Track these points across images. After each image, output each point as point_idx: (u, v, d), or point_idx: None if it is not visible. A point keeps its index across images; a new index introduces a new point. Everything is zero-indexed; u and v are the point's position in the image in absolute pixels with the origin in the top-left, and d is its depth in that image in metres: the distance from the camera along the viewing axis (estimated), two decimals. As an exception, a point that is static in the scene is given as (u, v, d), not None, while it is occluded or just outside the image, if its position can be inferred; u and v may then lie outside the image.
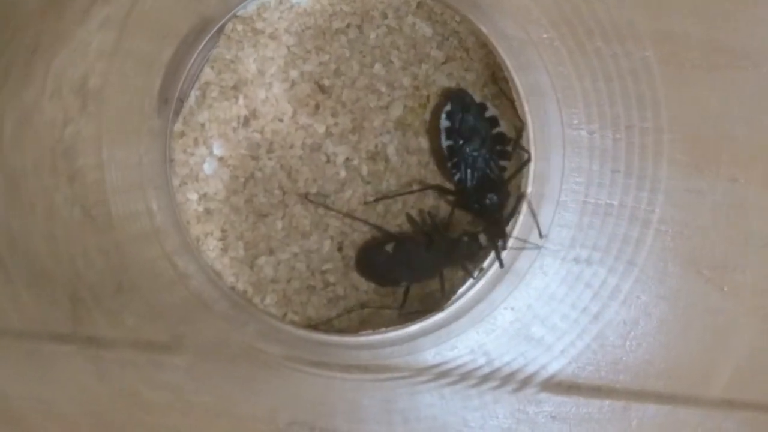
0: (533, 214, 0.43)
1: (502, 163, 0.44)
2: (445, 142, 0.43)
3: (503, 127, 0.44)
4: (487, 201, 0.43)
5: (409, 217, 0.44)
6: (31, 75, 0.37)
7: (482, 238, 0.43)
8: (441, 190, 0.44)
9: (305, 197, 0.43)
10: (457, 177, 0.43)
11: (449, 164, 0.43)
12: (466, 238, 0.43)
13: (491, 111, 0.43)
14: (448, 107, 0.43)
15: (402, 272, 0.43)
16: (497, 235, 0.43)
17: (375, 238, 0.44)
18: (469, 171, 0.43)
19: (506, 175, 0.44)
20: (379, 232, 0.44)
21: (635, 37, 0.39)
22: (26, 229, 0.38)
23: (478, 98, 0.44)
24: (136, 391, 0.39)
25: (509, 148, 0.44)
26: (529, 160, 0.43)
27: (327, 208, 0.43)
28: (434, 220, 0.44)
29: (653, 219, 0.39)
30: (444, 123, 0.43)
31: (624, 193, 0.40)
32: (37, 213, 0.38)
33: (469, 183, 0.43)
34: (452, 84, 0.44)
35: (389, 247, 0.43)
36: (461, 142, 0.43)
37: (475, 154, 0.43)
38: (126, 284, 0.39)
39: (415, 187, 0.44)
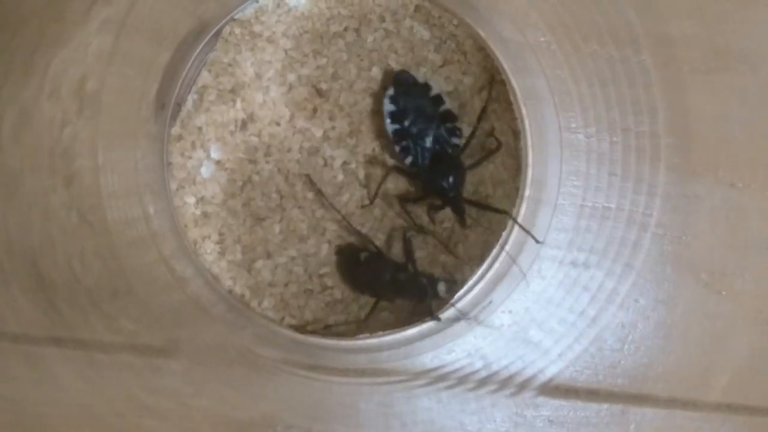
0: (523, 228, 0.43)
1: (454, 140, 0.43)
2: (390, 127, 0.43)
3: (449, 104, 0.43)
4: (444, 182, 0.42)
5: (392, 236, 0.44)
6: (31, 73, 0.37)
7: (441, 288, 0.42)
8: (398, 171, 0.44)
9: (307, 178, 0.43)
10: (409, 160, 0.43)
11: (398, 149, 0.43)
12: (425, 280, 0.43)
13: (435, 89, 0.43)
14: (390, 91, 0.43)
15: (367, 284, 0.43)
16: (458, 213, 0.43)
17: (357, 243, 0.44)
18: (420, 151, 0.43)
19: (471, 162, 0.44)
20: (359, 238, 0.44)
21: (632, 41, 0.39)
22: (23, 230, 0.38)
23: (422, 78, 0.43)
24: (134, 395, 0.39)
25: (458, 125, 0.43)
26: (498, 148, 0.43)
27: (321, 195, 0.43)
28: (410, 249, 0.44)
29: (651, 222, 0.39)
30: (388, 107, 0.43)
31: (621, 196, 0.40)
32: (34, 214, 0.38)
33: (421, 164, 0.43)
34: (450, 88, 0.44)
35: (363, 256, 0.43)
36: (407, 123, 0.43)
37: (424, 133, 0.43)
38: (123, 288, 0.39)
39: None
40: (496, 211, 0.43)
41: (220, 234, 0.44)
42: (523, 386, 0.40)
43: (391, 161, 0.44)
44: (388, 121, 0.43)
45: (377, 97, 0.44)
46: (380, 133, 0.44)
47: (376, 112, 0.44)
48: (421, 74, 0.44)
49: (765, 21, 0.39)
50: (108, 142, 0.39)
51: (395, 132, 0.43)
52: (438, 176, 0.42)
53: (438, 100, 0.43)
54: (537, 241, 0.41)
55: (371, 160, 0.44)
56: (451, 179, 0.42)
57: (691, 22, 0.39)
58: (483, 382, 0.40)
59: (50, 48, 0.38)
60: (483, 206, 0.44)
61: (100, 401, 0.39)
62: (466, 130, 0.44)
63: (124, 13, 0.39)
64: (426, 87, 0.43)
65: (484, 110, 0.44)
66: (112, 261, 0.39)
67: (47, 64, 0.38)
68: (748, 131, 0.39)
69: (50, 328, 0.38)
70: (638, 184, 0.39)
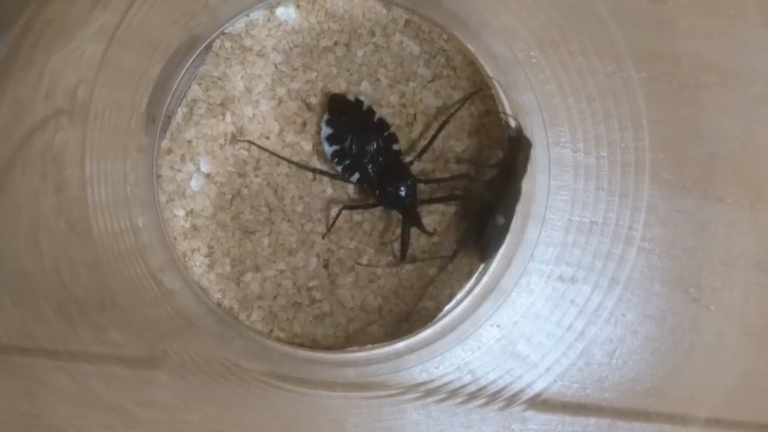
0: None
1: (394, 147, 0.43)
2: (329, 149, 0.43)
3: (381, 113, 0.43)
4: (398, 191, 0.43)
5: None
6: (30, 70, 0.37)
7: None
8: (352, 208, 0.44)
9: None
10: (356, 177, 0.43)
11: (340, 168, 0.43)
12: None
13: (367, 102, 0.43)
14: (326, 115, 0.43)
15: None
16: (414, 220, 0.43)
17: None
18: (365, 166, 0.43)
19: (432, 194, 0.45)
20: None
21: (618, 57, 0.39)
22: (12, 233, 0.38)
23: (352, 97, 0.43)
24: (122, 407, 0.39)
25: (393, 131, 0.43)
26: (458, 197, 0.44)
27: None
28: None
29: (637, 237, 0.40)
30: (325, 131, 0.43)
31: (608, 210, 0.40)
32: (23, 215, 0.38)
33: (370, 178, 0.43)
34: (439, 103, 0.44)
35: None
36: (347, 143, 0.43)
37: (365, 148, 0.43)
38: (110, 300, 0.39)
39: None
40: (453, 198, 0.44)
41: (210, 247, 0.44)
42: (511, 400, 0.40)
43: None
44: (326, 144, 0.43)
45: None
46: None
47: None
48: (351, 94, 0.44)
49: (754, 37, 0.39)
50: (97, 153, 0.39)
51: (335, 153, 0.43)
52: (389, 187, 0.43)
53: (370, 112, 0.43)
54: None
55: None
56: (402, 189, 0.43)
57: (683, 38, 0.39)
58: (471, 396, 0.40)
59: (49, 46, 0.38)
60: (436, 200, 0.44)
61: (90, 412, 0.39)
62: (458, 146, 0.44)
63: (117, 23, 0.39)
64: (358, 103, 0.43)
65: (446, 121, 0.44)
66: (99, 272, 0.39)
67: (45, 62, 0.38)
68: (738, 147, 0.40)
69: (38, 339, 0.38)
70: (624, 199, 0.40)
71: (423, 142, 0.44)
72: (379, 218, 0.44)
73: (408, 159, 0.44)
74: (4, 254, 0.38)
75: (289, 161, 0.43)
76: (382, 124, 0.43)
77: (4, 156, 0.38)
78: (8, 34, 0.37)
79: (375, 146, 0.43)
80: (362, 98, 0.43)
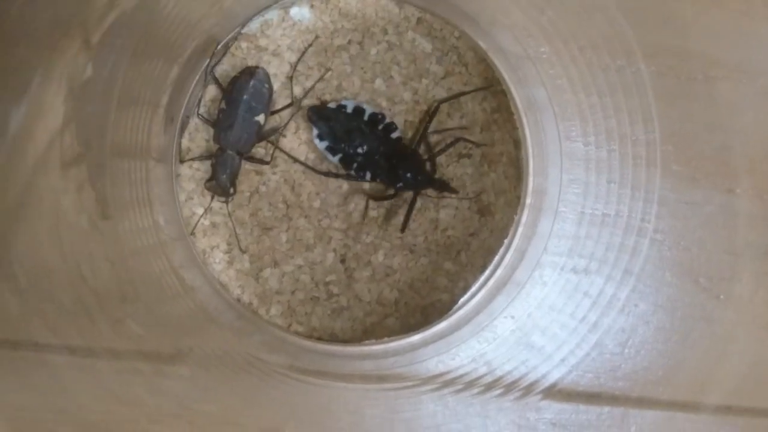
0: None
1: (393, 135, 0.44)
2: (333, 159, 0.44)
3: (369, 110, 0.44)
4: (410, 177, 0.44)
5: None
6: (48, 75, 0.38)
7: None
8: (375, 198, 0.45)
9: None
10: (368, 176, 0.44)
11: (353, 172, 0.44)
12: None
13: (350, 106, 0.44)
14: (314, 131, 0.44)
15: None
16: (442, 188, 0.44)
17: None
18: (371, 164, 0.44)
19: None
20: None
21: (628, 52, 0.39)
22: (35, 231, 0.38)
23: (333, 105, 0.44)
24: (142, 401, 0.39)
25: (388, 121, 0.44)
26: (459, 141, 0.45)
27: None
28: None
29: (649, 229, 0.40)
30: (321, 145, 0.44)
31: (620, 203, 0.40)
32: (44, 212, 0.39)
33: (380, 173, 0.44)
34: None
35: None
36: (345, 149, 0.44)
37: (365, 147, 0.44)
38: (131, 295, 0.40)
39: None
40: (452, 144, 0.45)
41: (229, 243, 0.44)
42: (526, 390, 0.40)
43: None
44: (329, 156, 0.44)
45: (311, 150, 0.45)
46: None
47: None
48: (332, 102, 0.44)
49: (761, 31, 0.40)
50: (119, 153, 0.40)
51: (340, 160, 0.44)
52: (399, 174, 0.44)
53: (359, 111, 0.44)
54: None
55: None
56: (409, 173, 0.43)
57: (690, 33, 0.39)
58: (487, 387, 0.40)
59: (66, 50, 0.38)
60: (440, 152, 0.45)
61: (112, 407, 0.39)
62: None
63: (134, 31, 0.39)
64: (340, 108, 0.44)
65: (441, 102, 0.45)
66: (120, 268, 0.40)
67: (64, 66, 0.38)
68: (744, 139, 0.40)
69: (61, 335, 0.39)
70: (636, 191, 0.40)
71: (435, 136, 0.45)
72: (395, 214, 0.45)
73: (412, 146, 0.45)
74: (27, 253, 0.38)
75: (305, 165, 0.44)
76: (375, 119, 0.44)
77: (28, 156, 0.38)
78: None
79: (375, 142, 0.44)
80: (344, 103, 0.44)
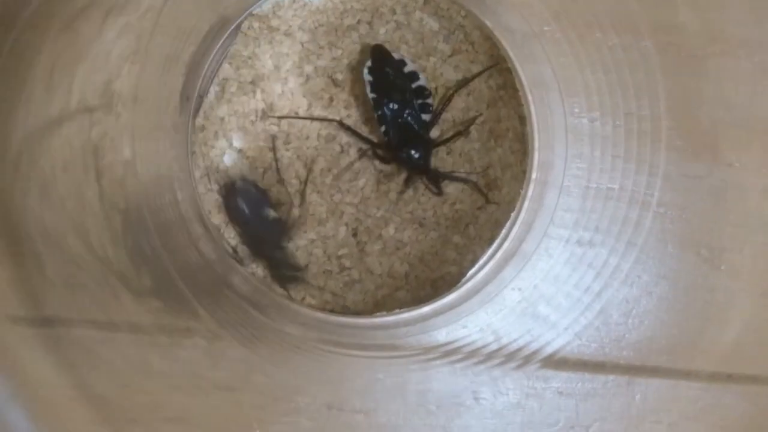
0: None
1: (424, 116, 0.45)
2: (370, 95, 0.44)
3: (423, 81, 0.45)
4: (410, 155, 0.44)
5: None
6: (54, 90, 0.38)
7: None
8: (374, 153, 0.46)
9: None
10: (383, 129, 0.45)
11: (376, 116, 0.45)
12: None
13: (410, 66, 0.44)
14: (369, 63, 0.44)
15: None
16: (431, 183, 0.45)
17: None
18: (392, 124, 0.44)
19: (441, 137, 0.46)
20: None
21: (633, 28, 0.40)
22: (59, 223, 0.39)
23: (398, 55, 0.45)
24: (163, 372, 0.40)
25: (430, 101, 0.45)
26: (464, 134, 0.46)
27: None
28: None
29: (652, 202, 0.40)
30: (367, 77, 0.44)
31: (624, 177, 0.41)
32: (68, 209, 0.40)
33: (391, 135, 0.45)
34: (458, 76, 0.46)
35: None
36: (383, 94, 0.44)
37: (396, 107, 0.44)
38: (156, 270, 0.41)
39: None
40: (464, 180, 0.45)
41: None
42: (532, 359, 0.41)
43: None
44: (368, 89, 0.44)
45: (357, 70, 0.45)
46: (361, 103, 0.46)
47: (356, 80, 0.45)
48: (399, 52, 0.45)
49: (760, 8, 0.40)
50: (138, 135, 0.41)
51: (374, 101, 0.44)
52: (405, 150, 0.44)
53: (413, 76, 0.45)
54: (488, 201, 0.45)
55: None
56: (416, 153, 0.44)
57: (690, 9, 0.40)
58: (495, 356, 0.41)
59: (70, 63, 0.39)
60: (451, 177, 0.45)
61: (132, 381, 0.40)
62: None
63: (148, 16, 0.40)
64: (401, 63, 0.44)
65: (455, 90, 0.45)
66: (144, 244, 0.41)
67: (71, 76, 0.39)
68: (745, 113, 0.40)
69: (83, 311, 0.40)
70: (640, 166, 0.40)
71: (444, 114, 0.46)
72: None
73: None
74: (51, 237, 0.39)
75: (321, 119, 0.45)
76: (422, 91, 0.45)
77: (46, 163, 0.39)
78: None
79: (407, 109, 0.44)
80: (407, 60, 0.45)
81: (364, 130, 0.46)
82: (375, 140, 0.46)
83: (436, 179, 0.45)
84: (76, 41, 0.39)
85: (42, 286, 0.39)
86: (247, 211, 0.44)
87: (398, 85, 0.44)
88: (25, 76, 0.38)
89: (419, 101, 0.45)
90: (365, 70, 0.44)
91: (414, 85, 0.45)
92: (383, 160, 0.45)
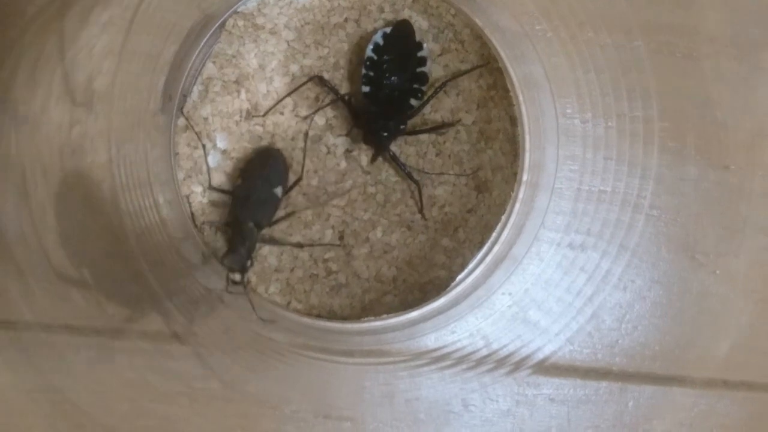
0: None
1: (412, 101, 0.44)
2: (370, 53, 0.44)
3: (428, 69, 0.44)
4: (383, 126, 0.43)
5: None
6: (37, 83, 0.38)
7: None
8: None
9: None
10: (366, 90, 0.44)
11: (363, 71, 0.44)
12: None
13: (425, 52, 0.44)
14: (387, 29, 0.44)
15: None
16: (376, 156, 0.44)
17: None
18: (378, 89, 0.44)
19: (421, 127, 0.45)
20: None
21: (625, 28, 0.39)
22: (38, 226, 0.39)
23: (420, 38, 0.44)
24: (145, 380, 0.40)
25: (425, 88, 0.44)
26: (450, 125, 0.45)
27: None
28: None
29: (645, 204, 0.40)
30: (377, 38, 0.44)
31: (616, 179, 0.40)
32: (48, 212, 0.39)
33: (372, 99, 0.44)
34: (448, 76, 0.45)
35: None
36: (384, 59, 0.44)
37: (391, 78, 0.44)
38: (136, 275, 0.40)
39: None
40: (442, 126, 0.45)
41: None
42: (523, 365, 0.41)
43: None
44: (370, 47, 0.44)
45: (366, 37, 0.45)
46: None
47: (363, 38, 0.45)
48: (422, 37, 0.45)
49: (754, 10, 0.40)
50: (118, 136, 0.40)
51: (370, 59, 0.44)
52: (378, 121, 0.43)
53: (422, 61, 0.44)
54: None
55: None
56: (385, 130, 0.43)
57: (682, 9, 0.40)
58: (484, 362, 0.41)
59: (53, 55, 0.38)
60: (428, 130, 0.45)
61: (112, 387, 0.40)
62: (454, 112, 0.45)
63: (129, 12, 0.39)
64: (418, 46, 0.44)
65: (442, 85, 0.45)
66: (125, 249, 0.40)
67: (53, 69, 0.38)
68: (739, 115, 0.40)
69: (62, 316, 0.39)
70: (633, 168, 0.40)
71: (432, 114, 0.45)
72: (392, 190, 0.45)
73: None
74: (30, 239, 0.38)
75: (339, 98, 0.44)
76: (421, 77, 0.44)
77: (25, 162, 0.38)
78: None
79: (400, 86, 0.44)
80: (425, 45, 0.44)
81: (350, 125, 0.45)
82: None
83: (389, 160, 0.45)
84: (62, 28, 0.39)
85: (23, 291, 0.39)
86: (266, 176, 0.43)
87: (403, 62, 0.44)
88: (9, 62, 0.37)
89: (416, 85, 0.44)
90: (379, 32, 0.44)
91: (418, 70, 0.44)
92: (354, 115, 0.44)
